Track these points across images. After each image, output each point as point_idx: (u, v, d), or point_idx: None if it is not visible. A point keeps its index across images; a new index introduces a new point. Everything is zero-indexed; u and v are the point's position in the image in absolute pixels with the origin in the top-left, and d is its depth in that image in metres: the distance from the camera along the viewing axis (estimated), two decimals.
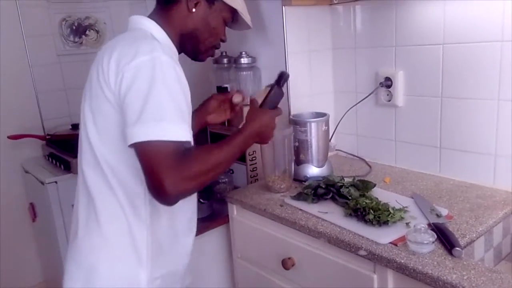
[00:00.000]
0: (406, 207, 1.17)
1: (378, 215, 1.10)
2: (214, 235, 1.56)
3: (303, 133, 1.44)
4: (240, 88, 1.67)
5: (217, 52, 1.65)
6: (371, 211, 1.12)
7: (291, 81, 1.61)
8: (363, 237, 1.07)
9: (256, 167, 1.62)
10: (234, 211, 1.48)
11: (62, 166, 2.06)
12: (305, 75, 1.68)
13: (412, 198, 1.27)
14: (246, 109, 1.24)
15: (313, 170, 1.47)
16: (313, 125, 1.44)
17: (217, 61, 1.76)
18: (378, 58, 1.58)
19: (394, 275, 1.00)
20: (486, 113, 1.31)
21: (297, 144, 1.47)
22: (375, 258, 1.01)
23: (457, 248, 0.94)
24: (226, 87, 1.66)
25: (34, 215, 2.28)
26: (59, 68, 2.48)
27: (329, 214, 1.20)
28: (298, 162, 1.49)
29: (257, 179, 1.62)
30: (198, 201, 1.52)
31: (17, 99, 2.32)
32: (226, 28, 1.21)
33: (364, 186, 1.30)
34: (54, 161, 2.15)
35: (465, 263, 0.92)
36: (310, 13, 1.64)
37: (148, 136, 0.86)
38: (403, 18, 1.47)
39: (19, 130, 2.27)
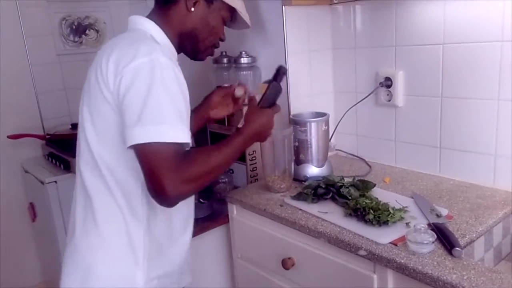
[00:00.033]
0: (406, 207, 1.17)
1: (378, 215, 1.10)
2: (214, 235, 1.56)
3: (303, 133, 1.44)
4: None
5: (217, 52, 1.66)
6: (371, 211, 1.12)
7: (291, 81, 1.61)
8: (363, 237, 1.07)
9: (256, 167, 1.62)
10: (234, 211, 1.48)
11: (62, 166, 2.06)
12: (305, 75, 1.68)
13: (412, 198, 1.27)
14: (245, 108, 1.24)
15: (313, 170, 1.47)
16: (313, 125, 1.44)
17: (217, 61, 1.76)
18: (378, 58, 1.58)
19: (394, 275, 1.00)
20: (486, 113, 1.31)
21: (297, 144, 1.47)
22: (375, 258, 1.01)
23: (457, 248, 0.94)
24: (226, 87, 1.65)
25: (33, 215, 2.28)
26: (59, 68, 2.48)
27: (329, 214, 1.20)
28: (298, 162, 1.49)
29: (257, 179, 1.62)
30: (198, 201, 1.53)
31: (17, 99, 2.33)
32: (225, 27, 1.21)
33: (364, 186, 1.30)
34: (54, 161, 2.15)
35: (465, 263, 0.92)
36: (310, 13, 1.64)
37: (148, 138, 0.86)
38: (403, 18, 1.47)
39: (19, 129, 2.27)
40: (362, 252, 1.03)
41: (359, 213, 1.14)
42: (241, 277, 1.53)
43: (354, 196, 1.24)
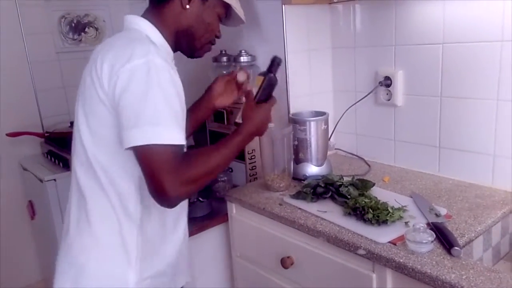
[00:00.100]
0: (405, 206, 1.17)
1: (377, 214, 1.10)
2: (213, 234, 1.56)
3: (303, 132, 1.44)
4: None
5: (217, 51, 1.66)
6: (370, 210, 1.12)
7: (291, 80, 1.61)
8: (362, 236, 1.07)
9: (255, 166, 1.62)
10: (233, 209, 1.48)
11: (61, 164, 2.05)
12: (305, 74, 1.68)
13: (411, 197, 1.27)
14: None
15: (312, 169, 1.47)
16: (312, 124, 1.44)
17: (216, 60, 1.75)
18: (378, 57, 1.58)
19: (393, 274, 1.00)
20: (485, 113, 1.31)
21: (296, 143, 1.47)
22: (374, 257, 1.01)
23: (456, 248, 0.95)
24: None
25: (32, 213, 2.28)
26: (58, 66, 2.48)
27: (328, 213, 1.20)
28: (297, 161, 1.49)
29: (256, 178, 1.62)
30: (197, 199, 1.53)
31: (16, 97, 2.32)
32: (223, 26, 1.21)
33: (363, 185, 1.31)
34: (52, 159, 2.15)
35: (463, 262, 0.93)
36: (309, 12, 1.64)
37: (146, 140, 0.87)
38: (402, 18, 1.46)
39: (18, 127, 2.27)
40: (361, 251, 1.03)
41: (358, 212, 1.14)
42: (240, 276, 1.53)
43: (353, 195, 1.24)
